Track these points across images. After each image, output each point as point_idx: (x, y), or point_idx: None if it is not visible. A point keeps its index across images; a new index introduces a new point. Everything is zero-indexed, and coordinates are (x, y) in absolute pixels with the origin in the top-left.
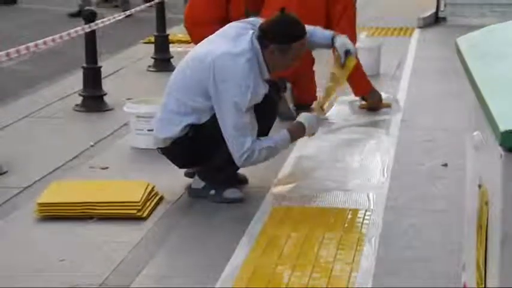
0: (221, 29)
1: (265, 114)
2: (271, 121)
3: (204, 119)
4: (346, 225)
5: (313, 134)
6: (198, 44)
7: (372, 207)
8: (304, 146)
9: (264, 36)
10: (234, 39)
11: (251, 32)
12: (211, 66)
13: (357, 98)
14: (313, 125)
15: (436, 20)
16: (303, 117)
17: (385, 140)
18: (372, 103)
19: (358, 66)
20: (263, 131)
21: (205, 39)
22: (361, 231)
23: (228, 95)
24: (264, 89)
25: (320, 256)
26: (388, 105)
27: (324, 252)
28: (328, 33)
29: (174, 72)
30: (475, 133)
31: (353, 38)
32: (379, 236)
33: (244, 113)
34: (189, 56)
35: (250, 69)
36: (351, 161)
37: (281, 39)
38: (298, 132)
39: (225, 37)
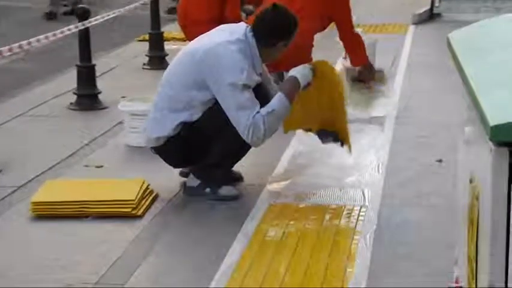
0: (215, 28)
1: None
2: None
3: (196, 116)
4: (341, 221)
5: (309, 84)
6: (191, 42)
7: (367, 203)
8: (299, 143)
9: (260, 34)
10: (228, 33)
11: (245, 26)
12: (204, 57)
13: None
14: (305, 74)
15: (430, 16)
16: (294, 70)
17: (380, 137)
18: (366, 75)
19: (360, 40)
20: None
21: (199, 36)
22: (356, 227)
23: (223, 79)
24: (256, 78)
25: (315, 253)
26: (381, 79)
27: (319, 249)
28: None
29: (166, 71)
30: (466, 128)
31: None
32: (374, 232)
33: (241, 91)
34: (180, 53)
35: (241, 52)
36: (346, 158)
37: (285, 33)
38: (292, 87)
39: (218, 33)
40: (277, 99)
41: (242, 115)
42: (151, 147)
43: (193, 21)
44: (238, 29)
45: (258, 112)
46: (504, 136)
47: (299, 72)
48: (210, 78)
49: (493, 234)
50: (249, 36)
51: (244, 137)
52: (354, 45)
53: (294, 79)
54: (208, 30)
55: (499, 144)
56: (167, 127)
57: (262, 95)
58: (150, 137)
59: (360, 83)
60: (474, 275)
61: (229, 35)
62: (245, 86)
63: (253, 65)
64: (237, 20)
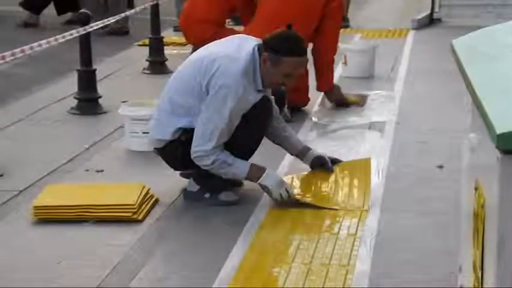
0: (226, 38)
1: (260, 117)
2: (267, 123)
3: (196, 122)
4: (341, 227)
5: (267, 190)
6: (201, 48)
7: (367, 209)
8: None
9: (263, 44)
10: (237, 46)
11: (255, 43)
12: (208, 66)
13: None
14: (268, 181)
15: (431, 21)
16: (270, 172)
17: (380, 142)
18: (335, 96)
19: (331, 61)
20: (258, 133)
21: (209, 44)
22: (356, 233)
23: (216, 97)
24: (255, 97)
25: (315, 258)
26: (357, 102)
27: (319, 254)
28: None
29: (173, 73)
30: (471, 135)
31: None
32: (374, 238)
33: (224, 119)
34: (190, 57)
35: (244, 75)
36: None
37: (275, 48)
38: (255, 173)
39: (228, 44)
40: (241, 164)
41: (207, 136)
42: (154, 148)
43: (198, 20)
44: (247, 45)
45: (221, 150)
46: (511, 144)
47: (269, 175)
48: (205, 89)
49: (499, 242)
50: (255, 52)
51: (191, 149)
52: (328, 67)
53: (262, 172)
54: (211, 30)
55: (506, 152)
56: (167, 131)
57: (264, 109)
58: (153, 138)
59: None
60: (480, 283)
61: (237, 49)
62: (232, 116)
63: (254, 82)
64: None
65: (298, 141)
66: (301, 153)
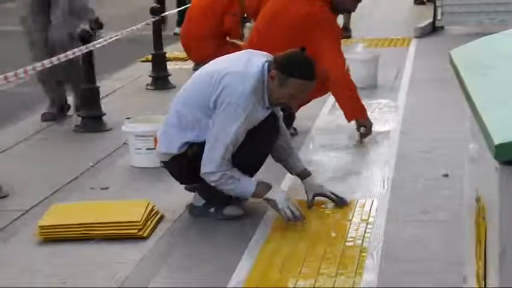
0: (236, 52)
1: (266, 134)
2: (273, 141)
3: (203, 137)
4: (347, 238)
5: (273, 203)
6: (211, 62)
7: (372, 219)
8: (303, 159)
9: (274, 61)
10: (247, 62)
11: (264, 59)
12: (217, 81)
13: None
14: (275, 196)
15: (433, 29)
16: (276, 188)
17: (385, 152)
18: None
19: (352, 88)
20: (264, 151)
21: (219, 58)
22: (362, 244)
23: (224, 114)
24: (262, 115)
25: (322, 270)
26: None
27: (326, 266)
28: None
29: (182, 87)
30: (470, 145)
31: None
32: (380, 248)
33: (231, 136)
34: (199, 71)
35: (253, 92)
36: (351, 173)
37: (283, 67)
38: (262, 189)
39: (238, 59)
40: (248, 180)
41: (210, 159)
42: (161, 162)
43: (195, 37)
44: (257, 61)
45: (230, 167)
46: (509, 154)
47: (276, 191)
48: (213, 106)
49: (501, 253)
50: (265, 69)
51: (201, 166)
52: (346, 92)
53: (268, 188)
54: (212, 47)
55: (505, 162)
56: (174, 144)
57: (271, 126)
58: (159, 151)
59: None
60: None
61: (247, 65)
62: (238, 131)
63: (262, 99)
64: (237, 36)
65: (298, 162)
66: (300, 176)
